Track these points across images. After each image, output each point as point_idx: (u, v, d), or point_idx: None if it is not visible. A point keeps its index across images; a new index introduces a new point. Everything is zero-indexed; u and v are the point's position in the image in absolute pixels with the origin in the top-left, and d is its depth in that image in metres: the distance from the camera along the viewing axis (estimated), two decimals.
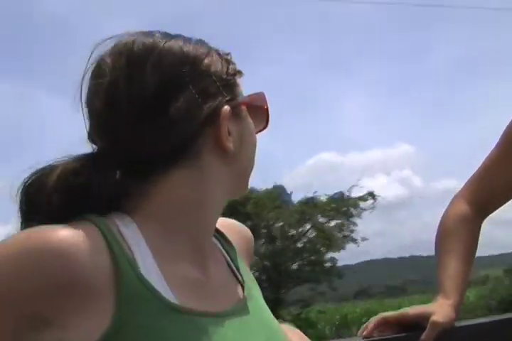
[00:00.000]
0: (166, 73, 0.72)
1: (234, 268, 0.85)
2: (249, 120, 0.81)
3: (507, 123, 1.33)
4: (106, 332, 0.62)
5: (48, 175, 0.69)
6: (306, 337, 0.93)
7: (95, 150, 0.74)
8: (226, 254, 0.86)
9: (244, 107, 0.80)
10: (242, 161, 0.80)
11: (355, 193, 18.83)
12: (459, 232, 1.31)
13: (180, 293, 0.69)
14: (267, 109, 0.85)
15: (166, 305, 0.66)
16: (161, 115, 0.71)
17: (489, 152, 1.35)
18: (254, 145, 0.83)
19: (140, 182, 0.73)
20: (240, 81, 0.81)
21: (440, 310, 1.18)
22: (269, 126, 0.86)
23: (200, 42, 0.79)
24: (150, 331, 0.64)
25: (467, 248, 1.30)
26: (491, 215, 1.38)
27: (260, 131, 0.86)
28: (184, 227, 0.74)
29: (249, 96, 0.83)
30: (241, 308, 0.77)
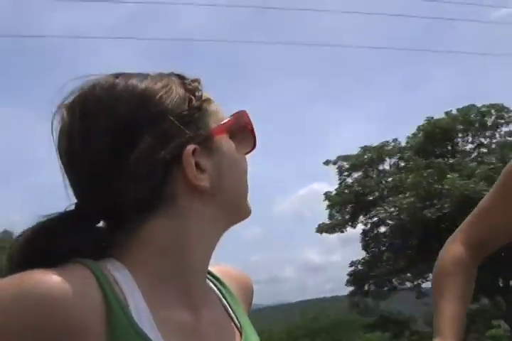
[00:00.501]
0: (120, 123, 0.69)
1: (231, 313, 0.82)
2: (227, 147, 0.76)
3: None
4: None
5: (29, 235, 0.69)
6: None
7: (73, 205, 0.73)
8: (223, 299, 0.82)
9: (218, 136, 0.75)
10: (227, 192, 0.76)
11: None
12: (454, 275, 1.31)
13: (171, 339, 0.67)
14: (251, 129, 0.80)
15: None
16: (121, 167, 0.69)
17: (486, 195, 1.37)
18: (241, 171, 0.79)
19: (121, 233, 0.71)
20: (213, 106, 0.77)
21: None
22: (257, 145, 0.81)
23: (159, 76, 0.75)
24: None
25: (463, 291, 1.29)
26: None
27: (249, 152, 0.81)
28: (172, 273, 0.72)
29: (228, 120, 0.78)
30: None
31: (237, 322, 0.81)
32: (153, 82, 0.73)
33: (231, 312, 0.81)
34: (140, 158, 0.68)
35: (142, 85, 0.72)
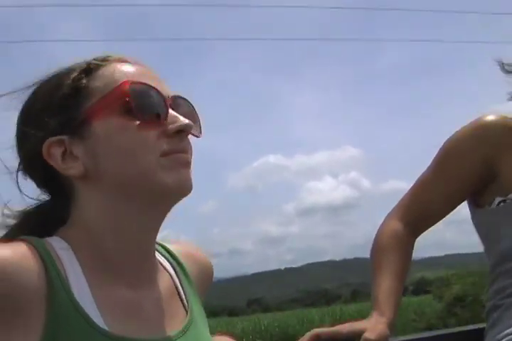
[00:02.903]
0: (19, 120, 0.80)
1: (181, 293, 0.84)
2: (104, 128, 0.73)
3: (449, 126, 1.35)
4: None
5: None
6: None
7: None
8: (176, 278, 0.84)
9: (93, 120, 0.73)
10: (113, 175, 0.73)
11: None
12: (392, 250, 1.33)
13: (112, 318, 0.69)
14: (128, 101, 0.73)
15: (96, 330, 0.67)
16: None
17: (425, 169, 1.37)
18: (126, 150, 0.73)
19: (65, 211, 0.78)
20: (101, 81, 0.75)
21: (373, 327, 1.19)
22: (146, 117, 0.74)
23: (61, 70, 0.79)
24: None
25: (400, 266, 1.32)
26: None
27: (142, 124, 0.73)
28: (110, 252, 0.74)
29: (101, 99, 0.74)
30: (178, 335, 0.77)
31: (185, 302, 0.83)
32: (47, 81, 0.79)
33: (182, 292, 0.83)
34: (22, 157, 0.80)
35: (41, 87, 0.79)
